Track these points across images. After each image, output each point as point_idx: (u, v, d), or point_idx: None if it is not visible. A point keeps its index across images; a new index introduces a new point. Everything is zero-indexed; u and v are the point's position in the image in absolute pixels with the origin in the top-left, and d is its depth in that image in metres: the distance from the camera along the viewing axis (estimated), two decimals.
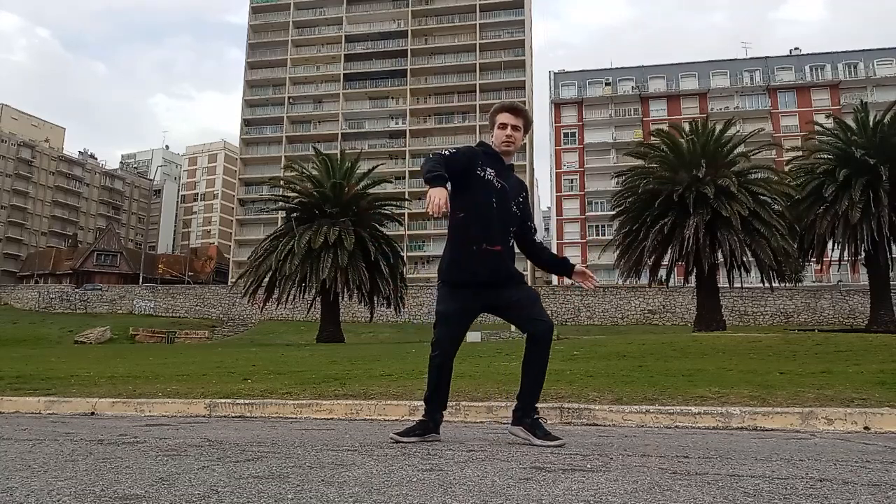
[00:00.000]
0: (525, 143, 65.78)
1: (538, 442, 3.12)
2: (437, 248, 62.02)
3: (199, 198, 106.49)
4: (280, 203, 31.62)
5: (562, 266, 3.56)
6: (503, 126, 3.36)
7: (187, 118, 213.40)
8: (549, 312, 3.39)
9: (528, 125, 3.43)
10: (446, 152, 3.25)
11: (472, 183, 3.26)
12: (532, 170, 71.57)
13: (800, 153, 30.54)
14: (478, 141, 3.62)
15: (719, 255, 24.51)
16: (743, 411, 4.27)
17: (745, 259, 24.08)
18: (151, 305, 53.70)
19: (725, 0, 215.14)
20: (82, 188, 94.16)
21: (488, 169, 3.30)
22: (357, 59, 76.20)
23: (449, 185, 3.09)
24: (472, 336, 22.20)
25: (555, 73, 69.91)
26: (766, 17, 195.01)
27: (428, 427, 3.36)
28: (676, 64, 68.32)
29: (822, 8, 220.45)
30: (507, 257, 3.32)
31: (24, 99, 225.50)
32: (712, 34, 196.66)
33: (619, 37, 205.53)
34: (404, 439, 3.26)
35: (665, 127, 31.05)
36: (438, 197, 2.95)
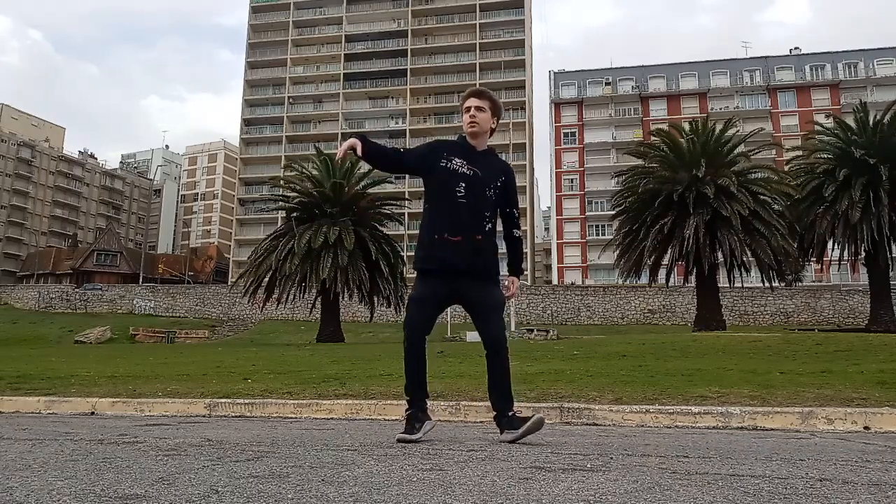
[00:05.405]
0: (525, 143, 66.21)
1: (510, 436, 3.24)
2: None
3: (199, 198, 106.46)
4: (280, 203, 31.61)
5: (509, 268, 3.58)
6: (467, 109, 3.45)
7: (181, 119, 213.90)
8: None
9: (494, 107, 3.49)
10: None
11: (436, 174, 3.36)
12: (532, 169, 71.55)
13: (800, 153, 30.52)
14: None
15: (719, 254, 24.52)
16: (743, 411, 4.27)
17: (745, 259, 24.10)
18: (151, 305, 53.71)
19: (709, 2, 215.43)
20: (82, 188, 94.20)
21: (455, 159, 3.37)
22: (357, 58, 76.23)
23: (363, 144, 3.33)
24: (472, 336, 22.16)
25: (555, 73, 69.88)
26: (751, 18, 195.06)
27: (420, 418, 3.33)
28: (676, 64, 68.31)
29: (807, 10, 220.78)
30: (476, 247, 3.30)
31: (19, 100, 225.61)
32: (698, 36, 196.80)
33: (608, 39, 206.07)
34: (412, 437, 3.24)
35: (665, 126, 31.00)
36: (347, 142, 3.34)
